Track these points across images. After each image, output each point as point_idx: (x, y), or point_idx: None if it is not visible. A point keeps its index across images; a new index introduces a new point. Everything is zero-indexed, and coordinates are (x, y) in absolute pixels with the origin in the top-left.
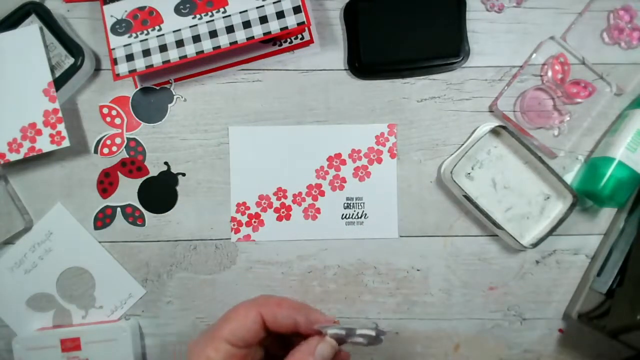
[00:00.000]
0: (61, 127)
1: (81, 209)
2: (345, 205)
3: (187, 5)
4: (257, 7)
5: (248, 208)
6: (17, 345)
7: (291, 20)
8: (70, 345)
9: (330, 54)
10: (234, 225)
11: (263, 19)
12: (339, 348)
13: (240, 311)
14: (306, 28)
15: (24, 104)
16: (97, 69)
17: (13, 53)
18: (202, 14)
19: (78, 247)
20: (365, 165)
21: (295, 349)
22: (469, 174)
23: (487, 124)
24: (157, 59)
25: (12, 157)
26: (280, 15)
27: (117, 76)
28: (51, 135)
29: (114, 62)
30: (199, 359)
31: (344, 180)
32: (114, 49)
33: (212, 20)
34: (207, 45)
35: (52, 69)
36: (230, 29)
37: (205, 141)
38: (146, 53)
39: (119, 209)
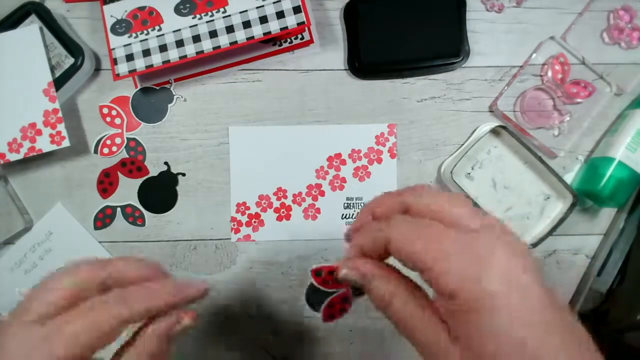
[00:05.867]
0: (61, 127)
1: (81, 209)
2: (345, 205)
3: (187, 5)
4: (257, 7)
5: (248, 208)
6: None
7: (291, 20)
8: None
9: (330, 54)
10: (234, 225)
11: (263, 19)
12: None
13: None
14: (306, 28)
15: (24, 104)
16: (97, 69)
17: (13, 53)
18: (202, 14)
19: (78, 247)
20: (365, 165)
21: None
22: (469, 174)
23: (487, 124)
24: (157, 59)
25: (12, 157)
26: (280, 15)
27: (117, 76)
28: (51, 135)
29: (114, 62)
30: None
31: (344, 180)
32: (114, 49)
33: (212, 20)
34: (207, 45)
35: (52, 69)
36: (230, 29)
37: (205, 141)
38: (146, 53)
39: (119, 209)
